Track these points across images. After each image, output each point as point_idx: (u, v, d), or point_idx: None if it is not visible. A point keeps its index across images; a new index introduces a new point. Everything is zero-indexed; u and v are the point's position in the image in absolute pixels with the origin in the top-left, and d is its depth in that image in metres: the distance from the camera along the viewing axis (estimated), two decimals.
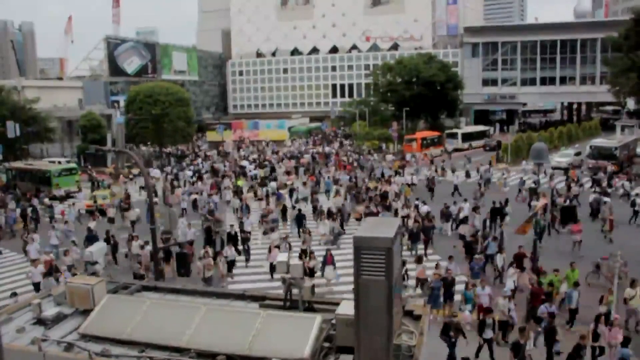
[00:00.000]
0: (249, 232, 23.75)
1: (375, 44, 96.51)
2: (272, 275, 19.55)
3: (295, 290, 7.63)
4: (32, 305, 7.87)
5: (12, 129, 43.89)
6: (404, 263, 17.27)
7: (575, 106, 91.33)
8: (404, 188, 32.72)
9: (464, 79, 74.43)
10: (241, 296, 8.29)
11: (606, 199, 27.46)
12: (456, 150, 56.60)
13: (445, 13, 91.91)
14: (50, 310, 7.71)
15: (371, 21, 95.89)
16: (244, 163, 48.80)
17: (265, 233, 24.83)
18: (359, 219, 26.42)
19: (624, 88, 50.81)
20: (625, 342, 12.03)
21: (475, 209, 25.41)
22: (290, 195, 32.53)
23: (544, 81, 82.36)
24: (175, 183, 39.95)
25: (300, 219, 25.59)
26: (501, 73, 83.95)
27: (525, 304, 15.52)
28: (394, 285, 5.82)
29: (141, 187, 39.47)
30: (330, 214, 25.62)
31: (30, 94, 54.65)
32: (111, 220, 27.93)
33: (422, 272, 17.65)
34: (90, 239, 22.61)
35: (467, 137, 60.34)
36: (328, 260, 18.88)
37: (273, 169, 44.81)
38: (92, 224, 25.47)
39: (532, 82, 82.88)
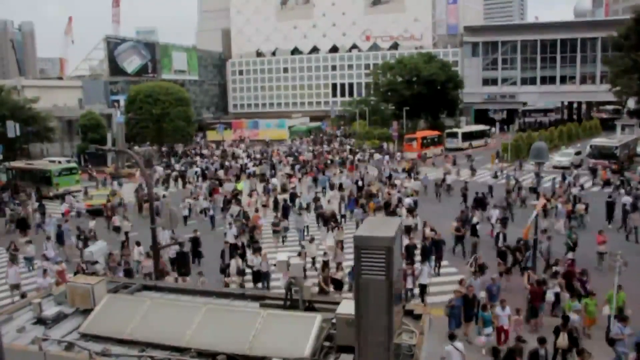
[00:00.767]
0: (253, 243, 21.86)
1: (375, 43, 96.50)
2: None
3: (295, 290, 7.63)
4: (32, 304, 7.88)
5: (12, 129, 43.91)
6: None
7: (575, 105, 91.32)
8: (408, 192, 31.02)
9: (464, 78, 74.45)
10: (241, 296, 8.29)
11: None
12: (456, 149, 56.63)
13: (445, 12, 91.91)
14: (50, 310, 7.71)
15: (371, 20, 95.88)
16: (243, 160, 49.00)
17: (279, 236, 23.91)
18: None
19: (625, 89, 50.74)
20: None
21: (503, 220, 23.29)
22: (292, 200, 30.64)
23: (544, 80, 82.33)
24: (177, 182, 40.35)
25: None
26: (501, 72, 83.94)
27: (525, 303, 15.45)
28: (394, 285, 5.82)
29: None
30: (327, 221, 24.62)
31: (30, 94, 54.67)
32: (117, 229, 26.33)
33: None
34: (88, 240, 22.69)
35: (467, 136, 60.34)
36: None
37: (273, 166, 45.08)
38: (91, 224, 25.47)
39: (532, 81, 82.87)
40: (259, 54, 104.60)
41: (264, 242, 23.88)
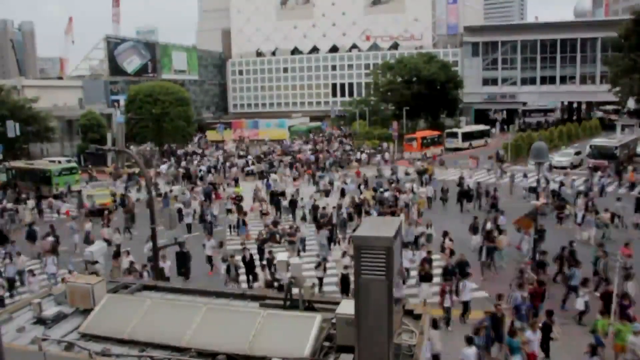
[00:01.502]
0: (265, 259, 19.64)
1: (375, 43, 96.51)
2: None
3: (295, 290, 7.63)
4: (32, 304, 7.88)
5: (12, 129, 43.92)
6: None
7: (575, 105, 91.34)
8: (416, 198, 28.94)
9: (464, 78, 74.45)
10: (241, 296, 8.29)
11: None
12: (456, 149, 56.63)
13: (445, 12, 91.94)
14: (50, 310, 7.71)
15: (371, 20, 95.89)
16: (239, 161, 49.08)
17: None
18: None
19: (626, 89, 50.71)
20: None
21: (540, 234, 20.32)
22: (291, 206, 28.77)
23: (544, 80, 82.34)
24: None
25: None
26: (501, 72, 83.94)
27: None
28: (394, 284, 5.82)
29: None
30: (320, 225, 23.26)
31: (30, 94, 54.68)
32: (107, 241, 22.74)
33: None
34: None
35: (467, 136, 60.31)
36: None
37: (272, 164, 45.28)
38: (87, 226, 25.13)
39: (532, 81, 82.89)
40: (259, 54, 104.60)
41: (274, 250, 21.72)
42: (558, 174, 36.86)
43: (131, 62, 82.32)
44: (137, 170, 42.01)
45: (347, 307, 6.34)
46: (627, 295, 14.68)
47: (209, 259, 21.08)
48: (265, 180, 37.63)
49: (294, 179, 38.90)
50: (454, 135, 59.79)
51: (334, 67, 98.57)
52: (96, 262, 17.50)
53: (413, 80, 65.62)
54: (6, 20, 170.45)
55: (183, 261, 19.87)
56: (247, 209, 29.01)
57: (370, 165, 47.04)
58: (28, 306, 8.02)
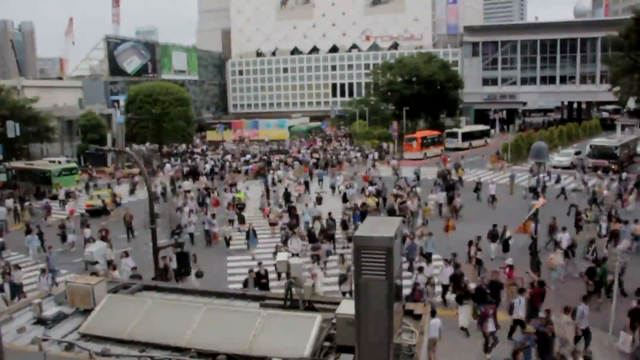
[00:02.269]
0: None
1: (375, 43, 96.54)
2: None
3: (295, 290, 7.63)
4: (32, 305, 7.87)
5: (12, 129, 43.91)
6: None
7: (575, 105, 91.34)
8: (423, 205, 27.30)
9: (464, 78, 74.45)
10: (242, 296, 8.29)
11: None
12: (456, 149, 56.64)
13: (445, 12, 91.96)
14: (50, 310, 7.71)
15: (371, 20, 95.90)
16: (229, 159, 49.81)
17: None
18: None
19: (626, 89, 50.74)
20: None
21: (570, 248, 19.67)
22: (290, 215, 26.72)
23: (544, 80, 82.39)
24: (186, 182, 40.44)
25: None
26: (501, 72, 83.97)
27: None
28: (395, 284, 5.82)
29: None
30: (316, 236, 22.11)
31: (30, 94, 54.68)
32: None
33: None
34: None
35: (467, 136, 60.34)
36: (416, 295, 16.22)
37: (269, 163, 46.28)
38: (86, 232, 24.59)
39: (532, 81, 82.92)
40: (258, 54, 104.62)
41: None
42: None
43: (131, 63, 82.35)
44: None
45: (347, 307, 6.34)
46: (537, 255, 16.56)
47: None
48: (264, 178, 38.78)
49: (298, 184, 35.93)
50: (454, 135, 59.82)
51: (334, 67, 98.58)
52: (96, 262, 17.52)
53: (413, 80, 65.64)
54: (6, 20, 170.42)
55: (183, 261, 19.83)
56: (255, 215, 27.41)
57: (364, 166, 46.63)
58: (28, 306, 8.02)
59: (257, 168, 43.78)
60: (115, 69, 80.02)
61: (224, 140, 70.76)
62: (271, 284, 17.51)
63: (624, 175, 34.15)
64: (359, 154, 51.71)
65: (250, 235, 22.67)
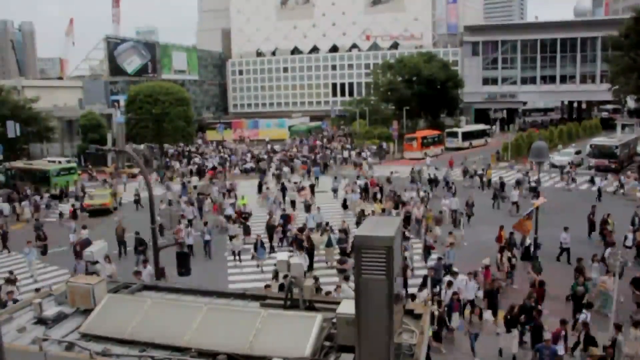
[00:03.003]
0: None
1: (375, 42, 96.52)
2: None
3: (296, 290, 7.63)
4: (33, 304, 7.87)
5: (12, 129, 43.94)
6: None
7: (575, 105, 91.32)
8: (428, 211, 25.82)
9: (464, 77, 74.47)
10: (242, 295, 8.29)
11: None
12: (457, 149, 56.63)
13: (445, 12, 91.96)
14: (51, 310, 7.71)
15: (371, 20, 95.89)
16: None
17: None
18: None
19: (624, 88, 50.77)
20: None
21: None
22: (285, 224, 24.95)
23: (544, 80, 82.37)
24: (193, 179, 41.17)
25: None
26: (501, 72, 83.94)
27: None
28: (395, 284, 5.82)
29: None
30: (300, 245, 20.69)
31: (30, 94, 54.70)
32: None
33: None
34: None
35: (467, 135, 60.35)
36: (455, 307, 15.10)
37: (263, 161, 47.86)
38: (84, 232, 24.15)
39: (532, 80, 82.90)
40: (259, 54, 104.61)
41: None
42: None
43: (131, 63, 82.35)
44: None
45: (347, 306, 6.34)
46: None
47: None
48: (262, 175, 40.27)
49: (299, 190, 33.37)
50: (454, 134, 59.83)
51: (334, 67, 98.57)
52: (96, 262, 17.47)
53: (413, 79, 65.64)
54: (6, 20, 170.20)
55: (183, 261, 19.83)
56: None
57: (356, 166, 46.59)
58: (29, 306, 8.02)
59: (212, 173, 43.80)
60: (116, 69, 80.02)
61: (224, 140, 70.75)
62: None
63: None
64: (362, 153, 51.81)
65: (258, 247, 21.43)
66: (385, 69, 69.82)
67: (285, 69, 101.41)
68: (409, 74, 66.05)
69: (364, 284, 5.71)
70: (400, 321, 6.50)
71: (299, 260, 8.60)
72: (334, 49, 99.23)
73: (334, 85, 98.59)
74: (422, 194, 30.36)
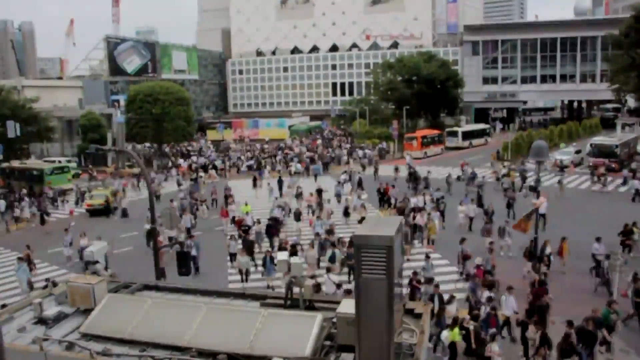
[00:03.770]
0: None
1: (375, 42, 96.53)
2: None
3: (296, 289, 7.63)
4: (33, 304, 7.87)
5: (12, 129, 43.95)
6: None
7: (575, 104, 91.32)
8: (434, 219, 24.01)
9: (464, 77, 74.43)
10: (242, 295, 8.29)
11: None
12: (457, 148, 56.60)
13: (445, 11, 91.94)
14: (51, 310, 7.71)
15: (371, 20, 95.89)
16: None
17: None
18: None
19: (623, 86, 50.79)
20: None
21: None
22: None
23: (544, 79, 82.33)
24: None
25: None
26: (501, 71, 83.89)
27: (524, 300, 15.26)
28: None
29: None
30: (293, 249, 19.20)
31: (30, 94, 54.72)
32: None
33: None
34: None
35: (467, 135, 60.33)
36: (492, 322, 13.49)
37: (260, 161, 48.33)
38: (83, 241, 22.57)
39: (532, 80, 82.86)
40: (259, 54, 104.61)
41: None
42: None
43: (131, 62, 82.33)
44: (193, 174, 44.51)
45: (347, 306, 6.34)
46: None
47: None
48: (259, 171, 41.81)
49: (297, 196, 31.42)
50: (454, 134, 59.80)
51: (334, 67, 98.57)
52: (97, 262, 17.47)
53: (413, 79, 65.62)
54: (6, 20, 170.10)
55: (183, 261, 19.84)
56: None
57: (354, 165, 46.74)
58: (29, 306, 8.02)
59: (183, 170, 44.65)
60: (115, 68, 80.00)
61: (223, 140, 70.73)
62: None
63: None
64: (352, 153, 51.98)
65: (267, 263, 19.25)
66: (385, 68, 69.81)
67: (285, 69, 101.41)
68: (409, 74, 66.03)
69: (364, 284, 5.71)
70: (401, 320, 6.50)
71: (299, 260, 8.60)
72: (334, 48, 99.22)
73: (334, 85, 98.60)
74: (429, 198, 28.41)
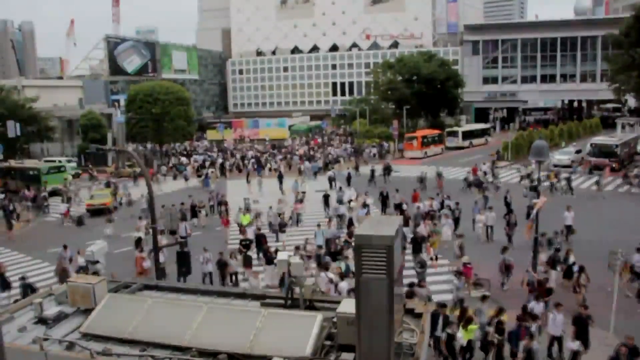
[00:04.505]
0: None
1: (375, 42, 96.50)
2: None
3: (296, 289, 7.63)
4: (33, 304, 7.88)
5: (13, 129, 43.99)
6: None
7: (575, 104, 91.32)
8: (439, 230, 21.91)
9: (464, 76, 74.37)
10: (242, 295, 8.30)
11: None
12: (457, 148, 56.58)
13: (446, 11, 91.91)
14: (51, 310, 7.72)
15: (371, 19, 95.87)
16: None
17: None
18: None
19: (623, 85, 50.78)
20: None
21: None
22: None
23: (544, 79, 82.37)
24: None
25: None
26: (501, 71, 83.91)
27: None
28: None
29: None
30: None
31: (30, 94, 54.74)
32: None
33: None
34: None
35: (467, 135, 60.33)
36: (522, 334, 12.10)
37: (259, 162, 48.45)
38: (80, 260, 20.14)
39: (533, 79, 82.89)
40: (259, 53, 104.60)
41: None
42: None
43: (131, 62, 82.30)
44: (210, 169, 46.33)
45: (348, 306, 6.34)
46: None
47: None
48: (259, 168, 42.76)
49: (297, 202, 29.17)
50: (455, 134, 59.81)
51: (334, 66, 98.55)
52: (97, 261, 17.52)
53: (413, 79, 65.59)
54: (6, 20, 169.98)
55: (183, 261, 19.87)
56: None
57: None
58: (29, 306, 8.02)
59: (153, 171, 44.18)
60: (116, 68, 79.97)
61: (224, 140, 70.74)
62: None
63: None
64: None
65: (286, 283, 17.37)
66: (385, 68, 69.78)
67: (286, 69, 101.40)
68: (409, 73, 66.00)
69: (364, 284, 5.71)
70: (401, 320, 6.51)
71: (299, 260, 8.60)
72: (334, 48, 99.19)
73: (334, 85, 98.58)
74: (435, 204, 26.01)
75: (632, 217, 26.19)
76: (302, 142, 66.20)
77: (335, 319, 6.58)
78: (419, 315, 7.12)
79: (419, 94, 64.23)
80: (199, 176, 42.02)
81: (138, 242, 22.04)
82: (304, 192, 31.92)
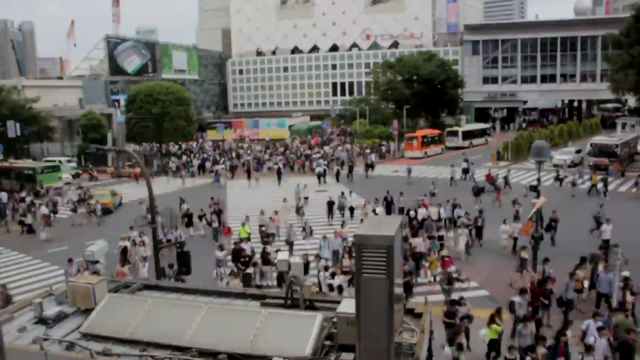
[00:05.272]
0: None
1: (375, 42, 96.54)
2: None
3: (296, 289, 7.63)
4: (33, 304, 7.87)
5: (13, 129, 44.01)
6: None
7: (575, 104, 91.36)
8: (435, 245, 20.12)
9: (464, 76, 74.45)
10: (242, 295, 8.29)
11: None
12: (457, 148, 56.59)
13: (446, 11, 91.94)
14: (51, 310, 7.71)
15: (371, 19, 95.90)
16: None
17: None
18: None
19: (622, 84, 50.78)
20: None
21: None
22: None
23: (544, 79, 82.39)
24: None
25: None
26: (501, 71, 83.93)
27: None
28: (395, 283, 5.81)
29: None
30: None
31: (30, 94, 54.84)
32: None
33: None
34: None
35: (467, 135, 60.34)
36: (561, 351, 11.33)
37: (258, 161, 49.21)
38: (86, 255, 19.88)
39: (533, 79, 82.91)
40: (259, 53, 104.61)
41: None
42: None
43: (131, 62, 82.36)
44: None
45: (348, 306, 6.34)
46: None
47: None
48: (258, 166, 44.33)
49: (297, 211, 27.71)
50: (455, 134, 59.81)
51: (334, 66, 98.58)
52: (97, 261, 17.49)
53: (413, 79, 65.63)
54: (6, 20, 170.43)
55: (184, 261, 19.84)
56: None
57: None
58: (29, 306, 8.02)
59: (136, 172, 44.43)
60: (116, 68, 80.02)
61: (224, 140, 70.77)
62: None
63: None
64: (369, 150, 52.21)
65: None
66: (386, 68, 69.83)
67: (286, 69, 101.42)
68: (409, 73, 66.04)
69: (364, 283, 5.71)
70: (401, 320, 6.50)
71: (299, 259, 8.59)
72: (334, 48, 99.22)
73: (334, 85, 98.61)
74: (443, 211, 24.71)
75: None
76: (301, 141, 66.19)
77: (335, 319, 6.57)
78: (419, 315, 7.12)
79: (419, 94, 64.26)
80: (216, 172, 43.81)
81: (124, 252, 20.77)
82: (306, 198, 30.68)
